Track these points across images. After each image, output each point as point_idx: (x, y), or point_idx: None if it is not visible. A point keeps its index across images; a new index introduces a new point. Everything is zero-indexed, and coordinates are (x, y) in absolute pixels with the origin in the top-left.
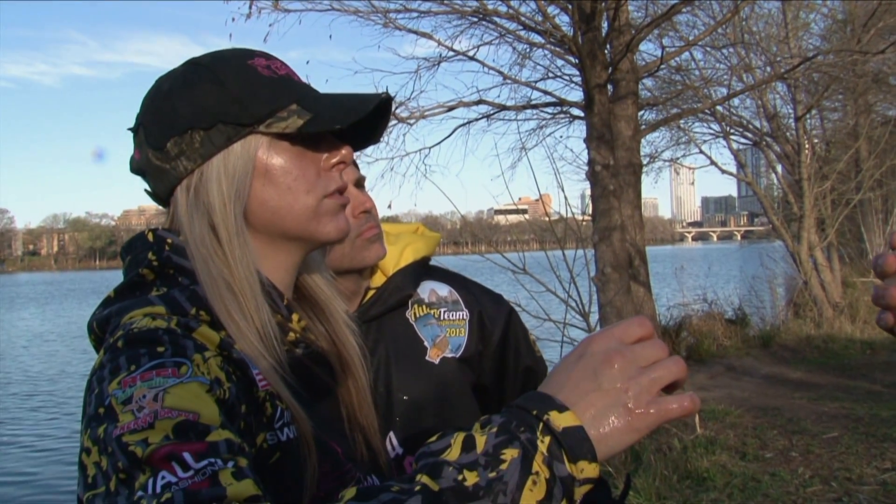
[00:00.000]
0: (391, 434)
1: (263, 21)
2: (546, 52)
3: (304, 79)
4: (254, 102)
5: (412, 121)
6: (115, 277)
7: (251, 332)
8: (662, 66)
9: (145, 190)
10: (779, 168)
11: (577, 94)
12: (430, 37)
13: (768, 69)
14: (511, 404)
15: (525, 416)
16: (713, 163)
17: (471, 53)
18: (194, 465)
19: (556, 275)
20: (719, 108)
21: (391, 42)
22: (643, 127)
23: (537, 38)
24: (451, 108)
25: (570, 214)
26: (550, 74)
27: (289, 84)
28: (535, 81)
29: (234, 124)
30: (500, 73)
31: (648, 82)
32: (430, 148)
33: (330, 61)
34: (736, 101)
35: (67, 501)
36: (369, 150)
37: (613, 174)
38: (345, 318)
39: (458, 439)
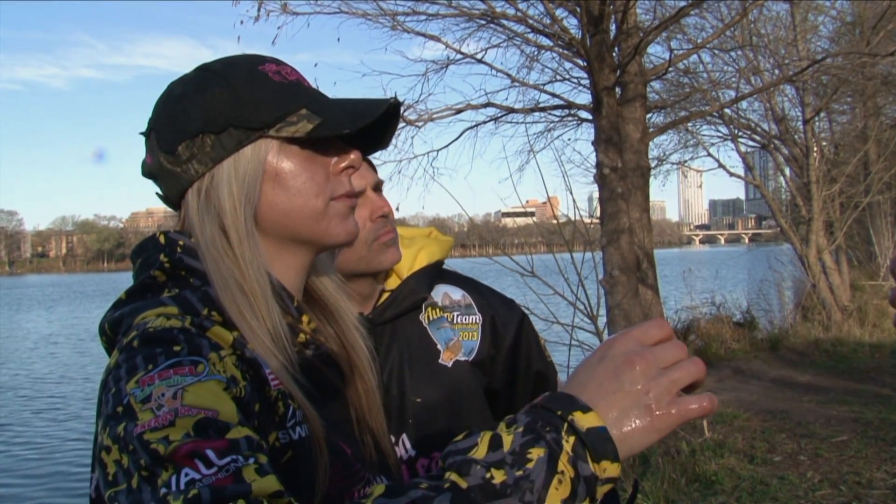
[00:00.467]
0: (404, 436)
1: (272, 24)
2: (554, 54)
3: (312, 81)
4: (264, 107)
5: (420, 123)
6: (123, 279)
7: (263, 332)
8: (670, 69)
9: (157, 193)
10: (787, 171)
11: (585, 97)
12: (438, 39)
13: (777, 72)
14: (535, 404)
15: (550, 417)
16: (721, 165)
17: (479, 56)
18: (217, 461)
19: (564, 277)
20: (727, 110)
21: (399, 45)
22: (651, 130)
23: (545, 41)
24: (459, 111)
25: (577, 217)
26: (558, 77)
27: (298, 89)
28: (544, 84)
29: (244, 128)
30: (509, 75)
31: (656, 85)
32: (438, 150)
33: (338, 64)
34: (744, 104)
35: (73, 502)
36: (377, 153)
37: (621, 177)
38: (354, 321)
39: (484, 438)
